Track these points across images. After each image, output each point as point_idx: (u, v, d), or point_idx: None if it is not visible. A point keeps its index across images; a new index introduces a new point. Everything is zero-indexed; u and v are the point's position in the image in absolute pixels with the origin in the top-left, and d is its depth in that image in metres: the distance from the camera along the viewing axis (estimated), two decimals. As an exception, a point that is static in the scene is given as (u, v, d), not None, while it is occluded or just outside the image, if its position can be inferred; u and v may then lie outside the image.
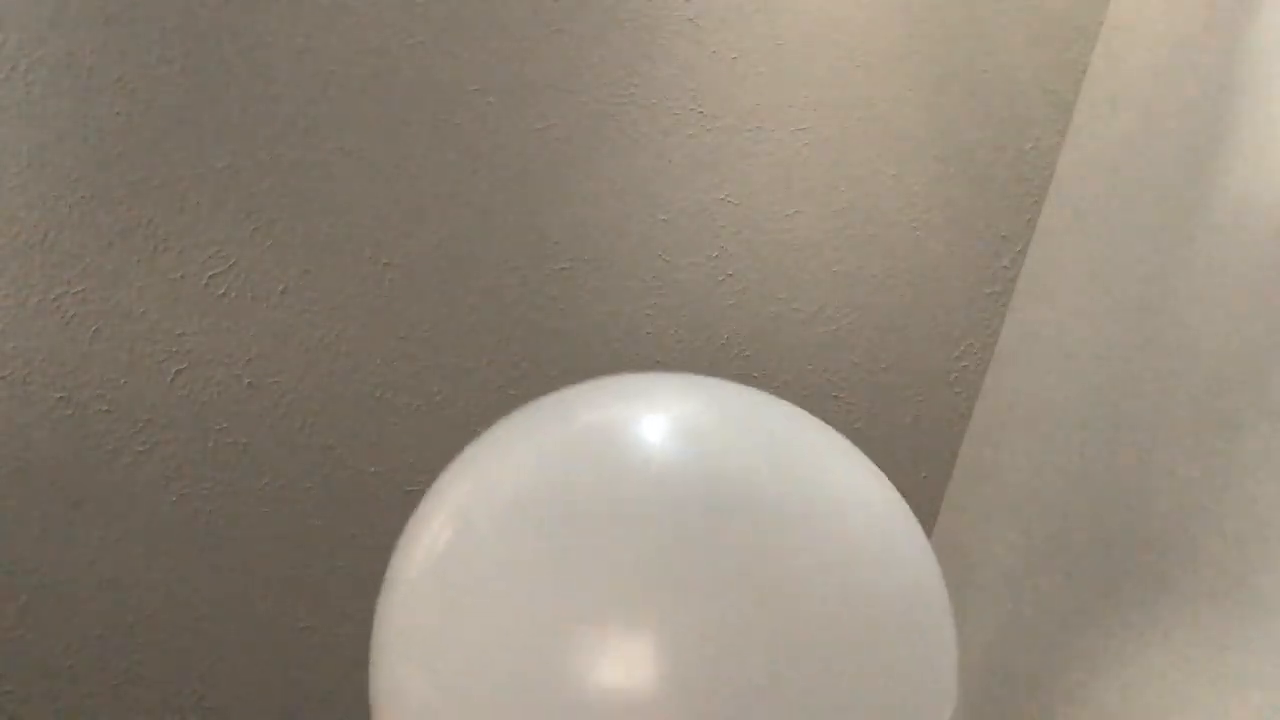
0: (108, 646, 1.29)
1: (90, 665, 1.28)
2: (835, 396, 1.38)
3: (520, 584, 0.71)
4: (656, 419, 0.78)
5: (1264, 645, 0.86)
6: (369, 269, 1.27)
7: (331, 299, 1.27)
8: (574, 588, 0.70)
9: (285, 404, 1.28)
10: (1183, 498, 0.98)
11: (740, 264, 1.34)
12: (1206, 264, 1.02)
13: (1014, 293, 1.38)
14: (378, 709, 0.78)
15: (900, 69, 1.32)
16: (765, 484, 0.75)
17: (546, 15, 1.26)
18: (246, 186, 1.23)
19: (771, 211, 1.33)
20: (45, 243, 1.20)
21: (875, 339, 1.37)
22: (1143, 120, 1.19)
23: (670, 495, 0.73)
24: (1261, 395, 0.91)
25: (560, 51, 1.27)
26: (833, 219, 1.34)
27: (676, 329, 1.34)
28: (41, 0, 1.17)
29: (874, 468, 0.83)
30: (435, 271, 1.28)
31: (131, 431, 1.25)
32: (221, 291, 1.25)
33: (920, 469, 1.41)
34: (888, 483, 0.83)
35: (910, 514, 0.82)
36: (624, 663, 0.69)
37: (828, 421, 1.39)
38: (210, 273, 1.24)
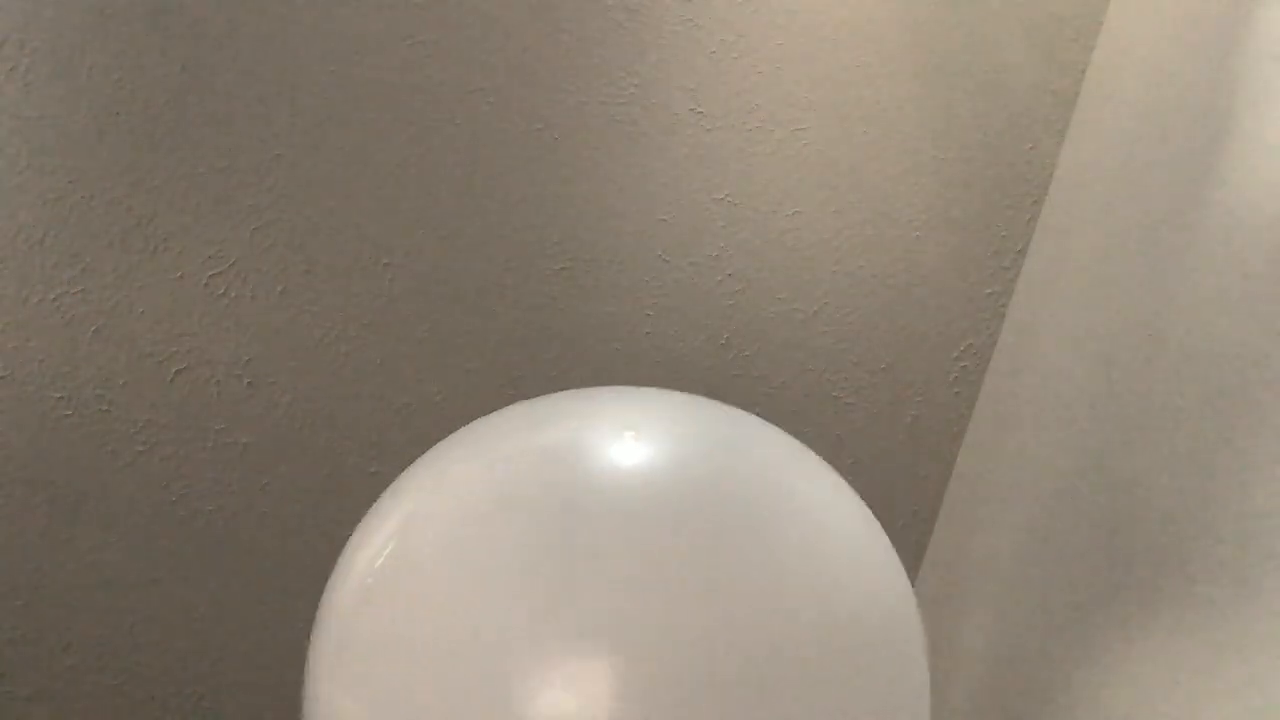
0: (108, 646, 1.29)
1: (90, 665, 1.28)
2: (835, 396, 1.38)
3: (462, 605, 0.68)
4: (611, 434, 0.75)
5: (1266, 647, 0.86)
6: (369, 269, 1.27)
7: (331, 299, 1.27)
8: (519, 608, 0.67)
9: (285, 404, 1.28)
10: (1183, 498, 0.98)
11: (740, 264, 1.34)
12: (1206, 264, 1.02)
13: (1014, 293, 1.38)
14: None
15: (900, 69, 1.32)
16: (727, 498, 0.72)
17: (546, 15, 1.26)
18: (246, 186, 1.23)
19: (771, 211, 1.33)
20: (45, 243, 1.20)
21: (875, 339, 1.37)
22: (1143, 120, 1.19)
23: (625, 511, 0.70)
24: (1262, 396, 0.91)
25: (560, 51, 1.27)
26: (833, 219, 1.34)
27: (676, 329, 1.34)
28: (41, 0, 1.17)
29: (836, 477, 0.81)
30: (435, 271, 1.28)
31: (131, 431, 1.25)
32: (221, 291, 1.25)
33: (920, 469, 1.41)
34: (855, 497, 0.80)
35: (881, 534, 0.79)
36: (573, 685, 0.65)
37: (828, 421, 1.40)
38: (210, 273, 1.24)
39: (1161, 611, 0.98)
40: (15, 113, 1.18)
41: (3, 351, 1.21)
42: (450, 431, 1.30)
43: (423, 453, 1.33)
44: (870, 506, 0.83)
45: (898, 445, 1.40)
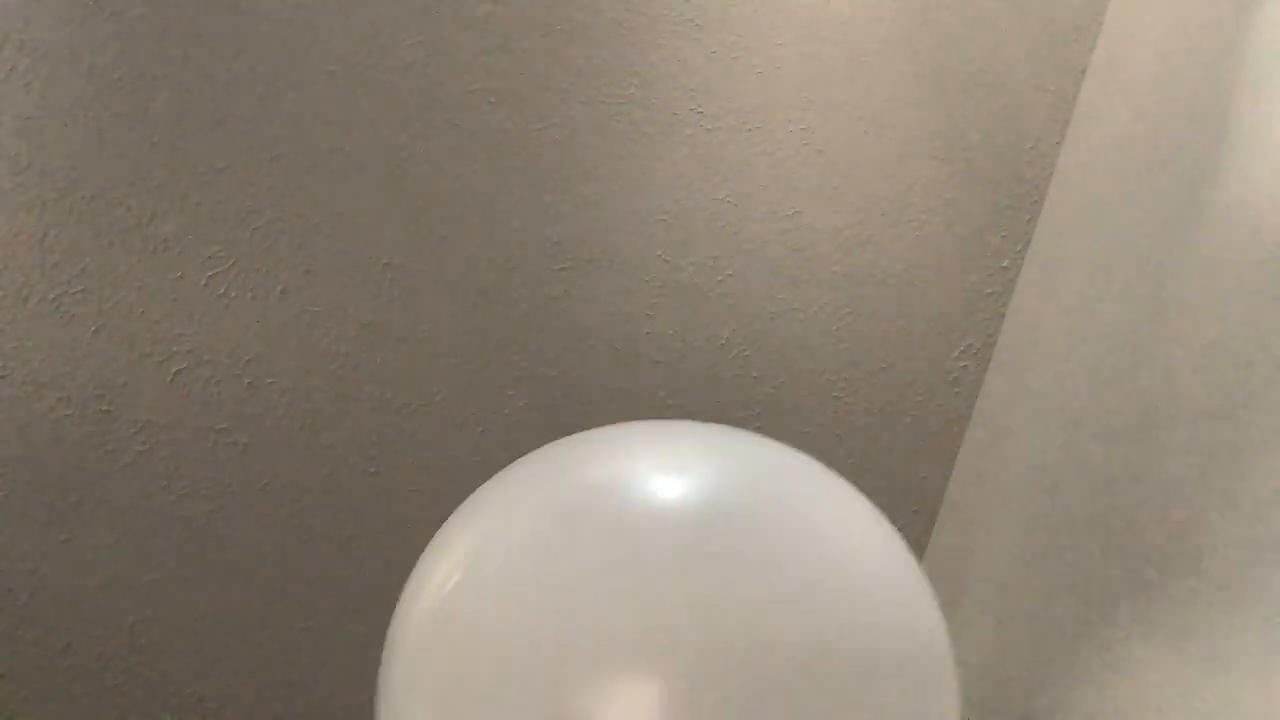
0: (108, 646, 1.29)
1: (90, 665, 1.28)
2: (835, 396, 1.38)
3: (528, 628, 0.73)
4: (657, 470, 0.80)
5: (1269, 649, 0.86)
6: (369, 269, 1.27)
7: (331, 299, 1.27)
8: (581, 634, 0.71)
9: (285, 404, 1.28)
10: (1184, 498, 0.98)
11: (740, 264, 1.34)
12: (1206, 263, 1.02)
13: (1014, 293, 1.38)
14: None
15: (900, 69, 1.32)
16: (769, 529, 0.76)
17: (546, 15, 1.26)
18: (246, 186, 1.23)
19: (771, 211, 1.33)
20: (45, 243, 1.20)
21: (875, 339, 1.37)
22: (1143, 120, 1.19)
23: (674, 543, 0.74)
24: (1262, 395, 0.91)
25: (560, 51, 1.27)
26: (833, 219, 1.34)
27: (676, 329, 1.34)
28: (42, 0, 1.17)
29: (864, 500, 0.84)
30: (435, 271, 1.28)
31: (131, 431, 1.25)
32: (221, 291, 1.25)
33: (920, 469, 1.41)
34: (882, 519, 0.84)
35: (908, 554, 0.83)
36: (631, 706, 0.70)
37: (828, 422, 1.39)
38: (210, 273, 1.24)
39: (1164, 612, 0.98)
40: (15, 113, 1.18)
41: (3, 351, 1.21)
42: (450, 431, 1.30)
43: (423, 452, 1.33)
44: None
45: (898, 445, 1.40)
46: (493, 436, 1.31)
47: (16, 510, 1.25)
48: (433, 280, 1.29)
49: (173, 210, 1.22)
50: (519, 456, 0.88)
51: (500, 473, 0.87)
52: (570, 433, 0.90)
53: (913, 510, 1.41)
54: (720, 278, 1.34)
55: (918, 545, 1.41)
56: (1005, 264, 1.37)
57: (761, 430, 1.31)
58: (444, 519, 0.85)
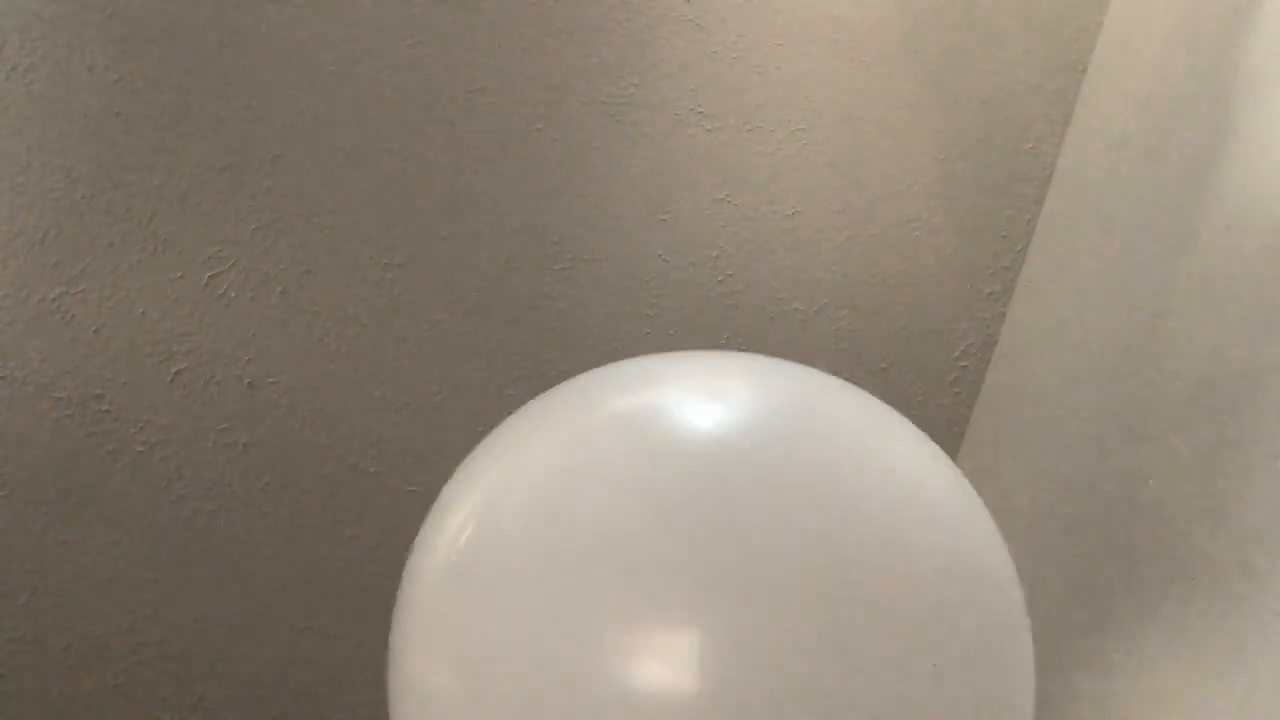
0: (108, 646, 1.29)
1: (90, 665, 1.28)
2: (835, 396, 1.38)
3: (549, 576, 0.67)
4: (688, 398, 0.73)
5: (1271, 648, 0.86)
6: (369, 269, 1.27)
7: (331, 299, 1.27)
8: (606, 580, 0.65)
9: (285, 404, 1.28)
10: (1185, 498, 0.98)
11: (740, 264, 1.34)
12: (1207, 263, 1.02)
13: (1014, 293, 1.38)
14: (398, 702, 0.74)
15: (900, 69, 1.32)
16: (812, 462, 0.69)
17: (546, 15, 1.26)
18: (246, 186, 1.23)
19: (771, 211, 1.33)
20: (45, 243, 1.20)
21: (875, 339, 1.37)
22: (1143, 120, 1.19)
23: (708, 478, 0.67)
24: (1263, 395, 0.91)
25: (560, 51, 1.27)
26: (833, 219, 1.34)
27: (676, 329, 1.34)
28: (41, 0, 1.17)
29: (930, 443, 0.78)
30: (435, 271, 1.28)
31: (131, 431, 1.25)
32: (221, 291, 1.25)
33: (920, 469, 1.41)
34: (944, 456, 0.78)
35: (969, 489, 0.77)
36: (660, 659, 0.64)
37: (828, 421, 1.39)
38: (210, 273, 1.24)
39: (1165, 613, 0.98)
40: (15, 113, 1.18)
41: (2, 351, 1.21)
42: (450, 431, 1.30)
43: (423, 453, 1.33)
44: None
45: (898, 445, 1.40)
46: (493, 436, 1.31)
47: (16, 510, 1.25)
48: (433, 280, 1.29)
49: (173, 210, 1.22)
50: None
51: (507, 419, 0.80)
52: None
53: (913, 510, 1.41)
54: (720, 278, 1.34)
55: (918, 545, 1.41)
56: (1005, 264, 1.37)
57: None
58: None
